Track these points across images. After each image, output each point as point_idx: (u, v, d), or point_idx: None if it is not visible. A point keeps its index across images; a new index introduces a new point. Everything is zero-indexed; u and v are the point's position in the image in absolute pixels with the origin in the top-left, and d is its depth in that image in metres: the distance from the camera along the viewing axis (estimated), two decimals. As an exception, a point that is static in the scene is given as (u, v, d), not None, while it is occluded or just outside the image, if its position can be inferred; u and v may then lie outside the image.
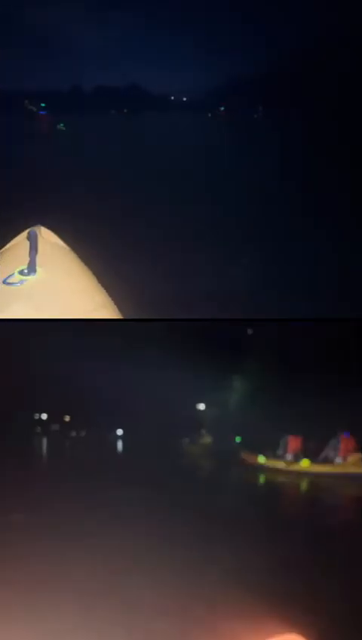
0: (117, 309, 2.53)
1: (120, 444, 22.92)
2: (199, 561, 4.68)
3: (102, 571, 4.32)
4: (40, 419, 31.86)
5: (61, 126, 63.26)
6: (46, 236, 2.72)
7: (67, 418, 31.29)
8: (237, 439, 16.82)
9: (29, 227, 2.62)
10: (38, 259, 2.42)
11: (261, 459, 12.85)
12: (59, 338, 18.34)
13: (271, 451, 12.83)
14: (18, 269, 2.41)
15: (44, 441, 23.33)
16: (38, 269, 2.41)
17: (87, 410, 26.22)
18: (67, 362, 20.26)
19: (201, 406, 22.58)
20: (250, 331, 19.62)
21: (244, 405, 18.68)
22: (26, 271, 2.40)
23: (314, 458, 11.80)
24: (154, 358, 18.58)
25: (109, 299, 2.55)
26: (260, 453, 12.98)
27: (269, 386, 16.29)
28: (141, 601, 3.73)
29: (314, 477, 11.25)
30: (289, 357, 16.39)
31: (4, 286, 2.33)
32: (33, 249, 2.43)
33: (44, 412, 31.88)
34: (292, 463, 12.09)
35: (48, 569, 4.32)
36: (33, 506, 7.05)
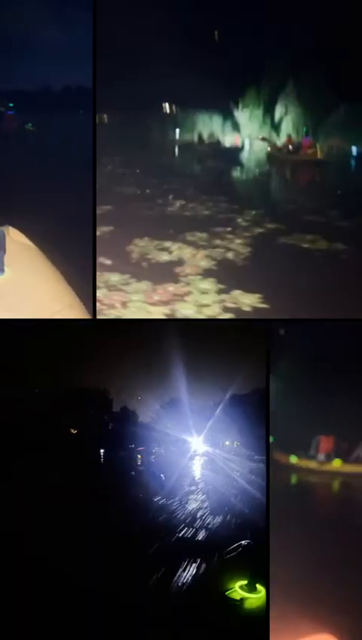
0: (85, 309, 2.52)
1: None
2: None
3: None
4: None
5: (29, 126, 63.37)
6: (14, 236, 2.74)
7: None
8: (270, 439, 16.65)
9: None
10: (6, 259, 2.45)
11: (293, 459, 12.68)
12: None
13: (303, 451, 12.64)
14: None
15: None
16: (5, 269, 2.43)
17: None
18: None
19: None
20: (281, 331, 19.39)
21: (276, 405, 18.50)
22: (-7, 271, 2.43)
23: (346, 458, 11.58)
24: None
25: (78, 299, 2.55)
26: (292, 453, 12.81)
27: (301, 386, 16.09)
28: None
29: (346, 477, 11.05)
30: (320, 356, 16.16)
31: None
32: (1, 249, 2.46)
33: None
34: (324, 463, 11.89)
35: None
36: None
